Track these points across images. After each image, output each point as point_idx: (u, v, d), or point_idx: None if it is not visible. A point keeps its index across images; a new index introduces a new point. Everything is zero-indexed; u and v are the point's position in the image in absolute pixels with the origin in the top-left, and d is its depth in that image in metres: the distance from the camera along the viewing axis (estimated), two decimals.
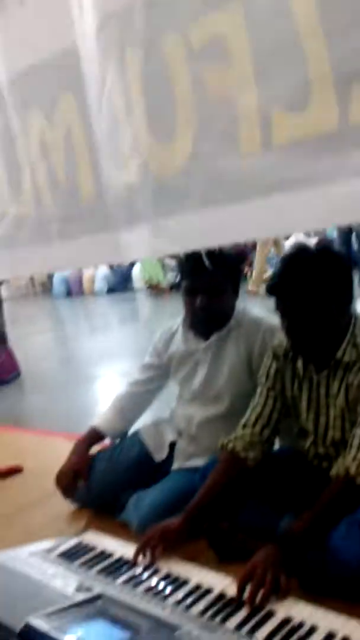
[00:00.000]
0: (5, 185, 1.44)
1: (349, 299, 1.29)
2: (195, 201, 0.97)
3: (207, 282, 1.54)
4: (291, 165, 0.84)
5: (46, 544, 1.38)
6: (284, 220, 0.88)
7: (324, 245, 2.11)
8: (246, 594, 1.05)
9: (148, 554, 1.25)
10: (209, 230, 0.98)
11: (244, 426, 1.39)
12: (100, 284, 10.97)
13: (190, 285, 1.56)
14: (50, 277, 13.26)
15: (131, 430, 1.82)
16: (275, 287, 1.28)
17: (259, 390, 1.43)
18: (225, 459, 1.37)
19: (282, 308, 1.28)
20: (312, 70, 0.79)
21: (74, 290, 11.58)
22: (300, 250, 1.34)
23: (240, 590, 1.06)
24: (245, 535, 1.33)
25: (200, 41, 0.92)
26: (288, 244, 6.74)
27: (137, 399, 1.77)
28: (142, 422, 1.85)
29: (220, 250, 1.62)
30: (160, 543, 1.25)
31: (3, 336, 4.05)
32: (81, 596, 1.10)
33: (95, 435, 1.74)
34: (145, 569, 1.22)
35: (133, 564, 1.23)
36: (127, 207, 1.10)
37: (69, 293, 11.64)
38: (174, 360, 1.71)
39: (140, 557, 1.25)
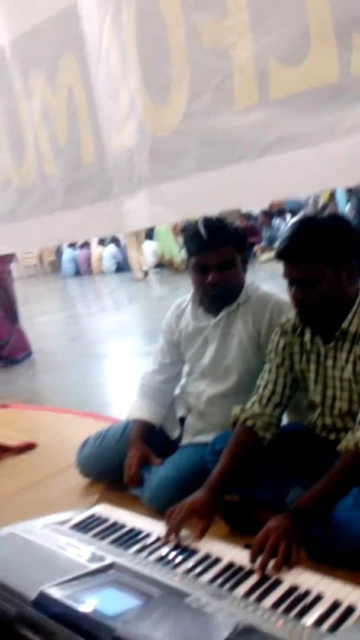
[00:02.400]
0: (8, 153, 1.42)
1: (358, 267, 1.27)
2: (191, 164, 0.95)
3: (217, 257, 1.52)
4: (289, 121, 0.81)
5: (59, 516, 1.42)
6: (282, 182, 0.85)
7: (334, 213, 2.06)
8: (257, 562, 1.07)
9: (177, 530, 1.21)
10: (207, 195, 0.96)
11: (259, 404, 1.39)
12: (108, 263, 10.96)
13: (200, 260, 1.55)
14: (58, 256, 13.28)
15: None
16: (283, 252, 1.25)
17: (267, 366, 1.43)
18: (243, 433, 1.37)
19: (292, 274, 1.26)
20: (311, 19, 0.75)
21: (83, 269, 11.59)
22: (310, 217, 1.32)
23: (254, 557, 1.09)
24: (256, 507, 1.36)
25: None
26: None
27: (164, 386, 1.76)
28: None
29: (228, 224, 1.60)
30: (190, 517, 1.23)
31: (15, 316, 4.08)
32: (94, 565, 1.12)
33: (145, 427, 1.69)
34: (178, 547, 1.19)
35: (165, 542, 1.20)
36: (126, 171, 1.08)
37: (77, 272, 11.65)
38: (184, 337, 1.71)
39: (176, 535, 1.21)
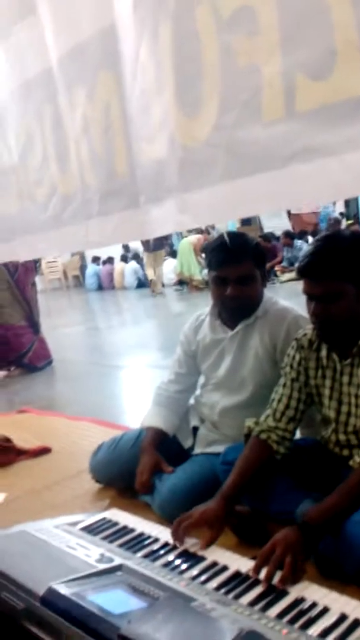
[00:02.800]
0: (55, 164, 1.51)
1: None
2: (219, 173, 0.99)
3: (237, 271, 1.55)
4: (314, 132, 0.85)
5: (71, 518, 1.44)
6: (305, 190, 0.89)
7: (356, 230, 2.06)
8: (263, 574, 1.07)
9: (183, 535, 1.22)
10: (230, 203, 1.00)
11: (273, 418, 1.39)
12: (130, 279, 11.12)
13: (220, 274, 1.57)
14: (82, 270, 13.53)
15: None
16: (305, 268, 1.25)
17: (282, 380, 1.44)
18: (257, 446, 1.37)
19: (312, 291, 1.26)
20: (338, 37, 0.79)
21: (105, 284, 11.79)
22: (333, 234, 1.33)
23: (258, 568, 1.08)
24: (267, 519, 1.35)
25: (229, 11, 0.93)
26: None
27: (179, 395, 1.78)
28: None
29: (249, 239, 1.64)
30: (200, 526, 1.23)
31: (37, 326, 4.18)
32: (102, 566, 1.14)
33: (158, 435, 1.71)
34: (186, 554, 1.19)
35: (174, 546, 1.21)
36: (155, 181, 1.13)
37: (100, 287, 11.85)
38: (201, 348, 1.73)
39: (181, 540, 1.22)
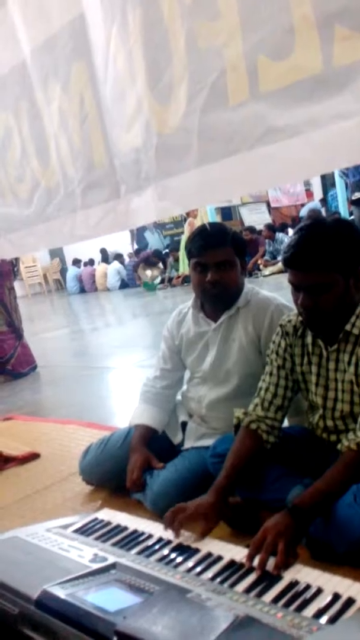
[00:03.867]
0: (35, 158, 1.49)
1: None
2: (193, 158, 1.00)
3: (216, 257, 1.55)
4: (277, 113, 0.86)
5: (62, 520, 1.43)
6: (273, 171, 0.90)
7: (339, 218, 2.06)
8: (257, 561, 1.08)
9: (178, 528, 1.22)
10: (207, 187, 1.01)
11: (262, 407, 1.40)
12: (113, 279, 11.06)
13: (200, 259, 1.57)
14: (63, 274, 13.41)
15: None
16: (292, 259, 1.23)
17: (268, 368, 1.44)
18: (248, 436, 1.38)
19: (300, 282, 1.24)
20: (295, 15, 0.80)
21: (87, 286, 11.71)
22: (315, 222, 1.29)
23: (251, 556, 1.09)
24: (259, 508, 1.36)
25: None
26: None
27: (166, 391, 1.78)
28: None
29: (228, 228, 1.64)
30: (195, 519, 1.23)
31: (18, 331, 4.13)
32: (96, 566, 1.13)
33: (147, 432, 1.71)
34: (180, 547, 1.19)
35: (167, 541, 1.20)
36: (134, 170, 1.13)
37: (82, 289, 11.76)
38: (185, 342, 1.73)
39: (177, 531, 1.21)
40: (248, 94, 0.88)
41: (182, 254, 9.09)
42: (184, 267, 8.96)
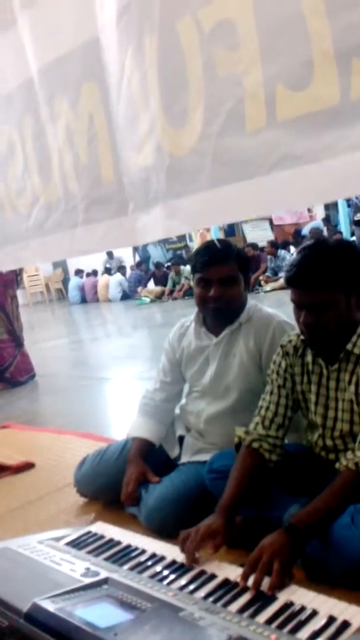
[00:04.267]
0: (36, 174, 1.51)
1: None
2: (206, 180, 1.01)
3: (220, 273, 1.56)
4: (294, 141, 0.87)
5: (55, 532, 1.41)
6: (288, 195, 0.91)
7: (341, 239, 2.08)
8: (251, 581, 1.06)
9: (194, 553, 1.18)
10: (218, 208, 1.02)
11: (262, 426, 1.39)
12: (114, 291, 11.10)
13: (203, 275, 1.58)
14: (65, 283, 13.45)
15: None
16: (294, 278, 1.24)
17: (269, 387, 1.43)
18: (250, 456, 1.36)
19: (301, 301, 1.25)
20: (314, 47, 0.82)
21: (89, 296, 11.74)
22: (318, 242, 1.31)
23: (246, 575, 1.07)
24: (256, 525, 1.34)
25: (210, 24, 0.96)
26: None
27: (165, 404, 1.77)
28: None
29: (232, 244, 1.65)
30: (206, 542, 1.20)
31: (19, 339, 4.13)
32: (88, 580, 1.12)
33: (145, 445, 1.69)
34: (174, 564, 1.17)
35: (188, 567, 1.16)
36: (143, 189, 1.14)
37: (83, 300, 11.79)
38: (185, 356, 1.73)
39: (193, 559, 1.17)
40: (265, 121, 0.90)
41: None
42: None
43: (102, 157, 1.26)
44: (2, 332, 4.01)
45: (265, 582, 1.05)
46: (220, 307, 1.59)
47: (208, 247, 1.60)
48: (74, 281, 12.37)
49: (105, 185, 1.27)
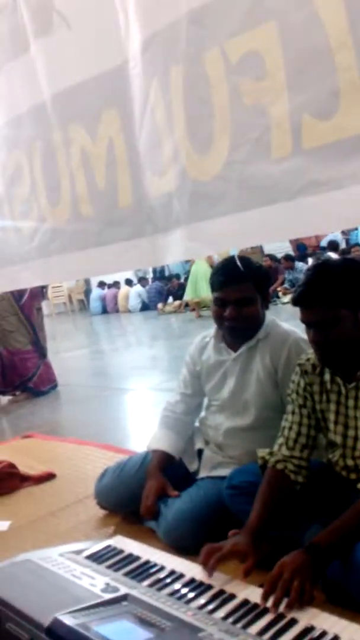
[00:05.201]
0: (44, 196, 1.54)
1: None
2: (229, 205, 1.03)
3: (238, 293, 1.57)
4: (319, 168, 0.89)
5: (76, 545, 1.42)
6: (312, 221, 0.92)
7: (346, 257, 2.08)
8: (271, 601, 1.05)
9: (214, 567, 1.19)
10: (241, 232, 1.03)
11: (286, 447, 1.38)
12: (134, 302, 11.20)
13: (220, 295, 1.60)
14: (87, 294, 13.64)
15: None
16: (299, 298, 1.27)
17: (290, 407, 1.42)
18: (275, 477, 1.35)
19: (308, 319, 1.28)
20: (341, 78, 0.84)
21: (109, 307, 11.88)
22: (326, 261, 1.34)
23: (266, 595, 1.06)
24: (273, 544, 1.33)
25: (237, 55, 0.98)
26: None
27: (186, 417, 1.79)
28: None
29: (251, 262, 1.66)
30: (231, 558, 1.20)
31: (42, 350, 4.21)
32: (108, 596, 1.12)
33: (164, 458, 1.70)
34: (193, 582, 1.16)
35: (207, 586, 1.15)
36: (165, 212, 1.16)
37: (104, 310, 11.93)
38: (204, 369, 1.74)
39: (212, 571, 1.18)
40: (291, 149, 0.92)
41: (196, 277, 9.01)
42: (194, 293, 8.85)
43: (121, 181, 1.28)
44: (26, 343, 4.09)
45: (285, 603, 1.04)
46: (236, 327, 1.60)
47: (225, 267, 1.61)
48: (95, 292, 12.56)
49: (122, 209, 1.30)
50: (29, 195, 1.62)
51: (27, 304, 4.08)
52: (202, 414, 1.81)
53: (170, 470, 1.69)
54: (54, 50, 1.38)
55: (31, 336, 4.12)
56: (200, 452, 1.75)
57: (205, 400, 1.80)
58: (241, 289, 1.57)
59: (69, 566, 1.28)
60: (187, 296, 9.06)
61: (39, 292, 4.25)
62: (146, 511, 1.60)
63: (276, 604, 1.03)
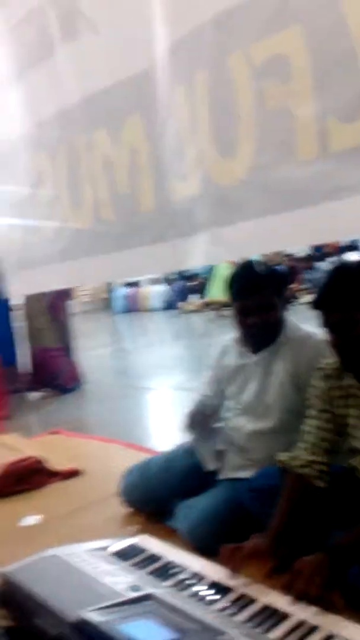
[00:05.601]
0: (67, 200, 1.56)
1: None
2: (253, 210, 1.03)
3: (258, 300, 1.57)
4: (345, 172, 0.89)
5: (101, 542, 1.45)
6: (336, 226, 0.92)
7: None
8: (290, 599, 1.06)
9: (240, 568, 1.20)
10: (264, 237, 1.03)
11: (307, 451, 1.37)
12: (156, 301, 11.25)
13: (240, 304, 1.61)
14: (110, 293, 13.77)
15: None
16: (317, 301, 1.26)
17: (311, 412, 1.41)
18: (297, 481, 1.35)
19: (327, 322, 1.26)
20: None
21: (132, 306, 11.95)
22: (345, 264, 1.32)
23: (288, 585, 1.07)
24: (294, 548, 1.33)
25: (262, 59, 0.99)
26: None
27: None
28: None
29: (268, 268, 1.66)
30: (252, 558, 1.22)
31: (70, 348, 4.30)
32: (132, 594, 1.14)
33: (208, 400, 1.75)
34: (215, 584, 1.18)
35: (229, 589, 1.16)
36: (187, 217, 1.17)
37: (127, 309, 12.02)
38: (226, 373, 1.75)
39: (238, 569, 1.20)
40: (317, 153, 0.92)
41: (218, 278, 8.96)
42: (216, 292, 8.78)
43: (143, 186, 1.28)
44: (55, 342, 4.19)
45: (308, 610, 1.04)
46: (257, 333, 1.60)
47: (243, 274, 1.61)
48: (118, 291, 12.66)
49: (143, 213, 1.30)
50: (52, 198, 1.64)
51: (54, 303, 4.17)
52: (225, 415, 1.82)
53: (192, 470, 1.70)
54: (80, 55, 1.39)
55: (59, 335, 4.21)
56: (221, 453, 1.76)
57: (228, 403, 1.80)
58: (261, 296, 1.57)
59: (95, 563, 1.31)
60: (209, 296, 9.03)
61: (66, 291, 4.34)
62: (192, 422, 1.63)
63: (299, 595, 1.04)
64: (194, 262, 1.24)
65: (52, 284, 1.80)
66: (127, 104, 1.28)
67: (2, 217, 1.88)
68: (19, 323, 4.27)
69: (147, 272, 1.49)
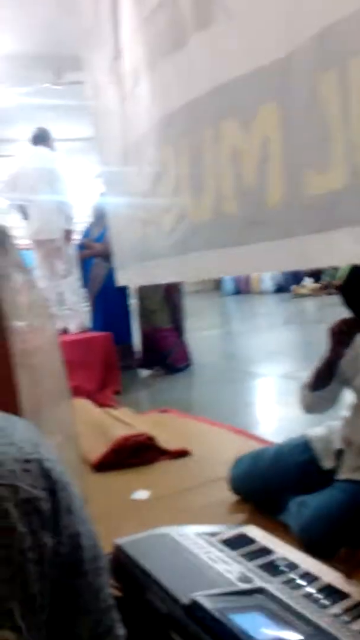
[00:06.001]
0: (187, 193, 1.54)
1: None
2: None
3: None
4: None
5: (211, 527, 1.46)
6: None
7: None
8: None
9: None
10: None
11: None
12: (267, 283, 10.99)
13: None
14: None
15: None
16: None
17: None
18: None
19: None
20: None
21: (242, 288, 11.84)
22: None
23: None
24: None
25: None
26: None
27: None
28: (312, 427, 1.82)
29: None
30: None
31: (181, 329, 4.42)
32: (243, 585, 1.14)
33: None
34: (329, 588, 1.13)
35: (344, 596, 1.10)
36: (325, 212, 1.08)
37: (238, 291, 11.94)
38: (349, 366, 1.63)
39: None
40: None
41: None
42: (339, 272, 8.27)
43: (273, 179, 1.20)
44: (167, 322, 4.34)
45: None
46: None
47: None
48: None
49: (270, 207, 1.23)
50: (172, 190, 1.64)
51: (169, 284, 4.28)
52: (346, 412, 1.71)
53: (306, 468, 1.64)
54: (213, 43, 1.34)
55: (171, 315, 4.34)
56: (339, 452, 1.66)
57: (352, 398, 1.69)
58: None
59: (205, 547, 1.32)
60: (337, 277, 8.57)
61: None
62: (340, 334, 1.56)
63: None
64: (332, 260, 1.15)
65: (166, 276, 1.81)
66: (262, 92, 1.20)
67: (123, 210, 1.94)
68: (131, 301, 4.48)
69: (267, 269, 1.41)
